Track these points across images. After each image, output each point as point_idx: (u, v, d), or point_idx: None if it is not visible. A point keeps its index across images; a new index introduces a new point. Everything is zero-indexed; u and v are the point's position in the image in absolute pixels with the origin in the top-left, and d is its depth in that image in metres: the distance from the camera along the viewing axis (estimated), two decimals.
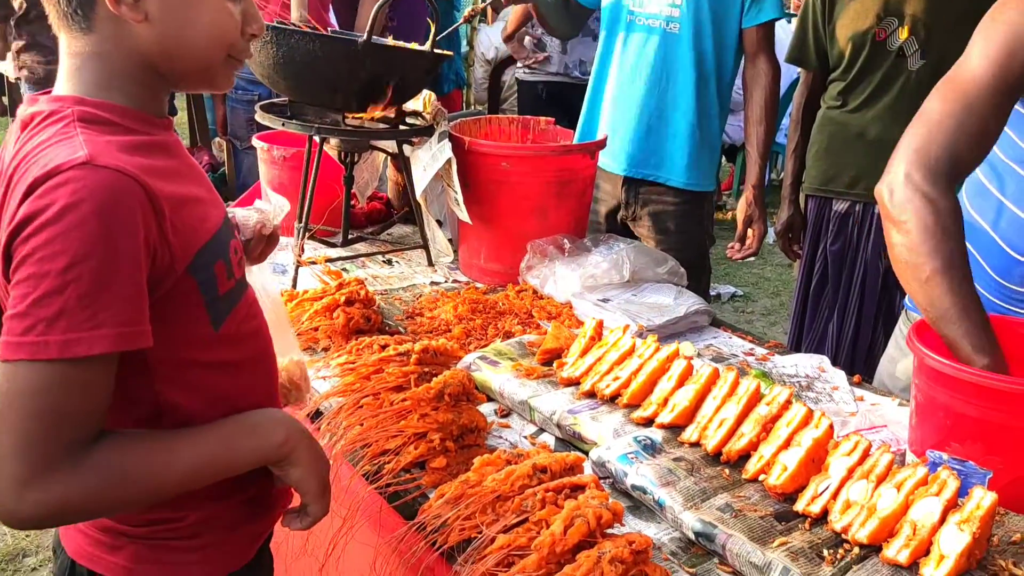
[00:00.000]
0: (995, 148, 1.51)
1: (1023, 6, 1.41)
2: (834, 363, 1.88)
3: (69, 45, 1.02)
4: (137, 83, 1.04)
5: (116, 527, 1.10)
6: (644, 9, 2.49)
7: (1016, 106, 1.45)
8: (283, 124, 2.11)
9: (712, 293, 4.89)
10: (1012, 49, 1.38)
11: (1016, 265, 1.56)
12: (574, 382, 1.62)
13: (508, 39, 4.42)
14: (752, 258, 2.71)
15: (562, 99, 4.55)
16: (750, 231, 2.63)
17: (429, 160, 2.17)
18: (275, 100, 2.30)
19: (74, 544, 1.14)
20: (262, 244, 1.43)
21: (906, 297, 1.88)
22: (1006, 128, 1.47)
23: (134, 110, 1.04)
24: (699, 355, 1.89)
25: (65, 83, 1.03)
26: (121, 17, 0.99)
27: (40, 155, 0.95)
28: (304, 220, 2.16)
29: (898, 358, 1.86)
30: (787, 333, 2.92)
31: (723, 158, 6.69)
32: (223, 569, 1.16)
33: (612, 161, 2.61)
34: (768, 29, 2.54)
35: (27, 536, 2.83)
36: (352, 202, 2.58)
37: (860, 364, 2.58)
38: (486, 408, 1.63)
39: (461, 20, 2.66)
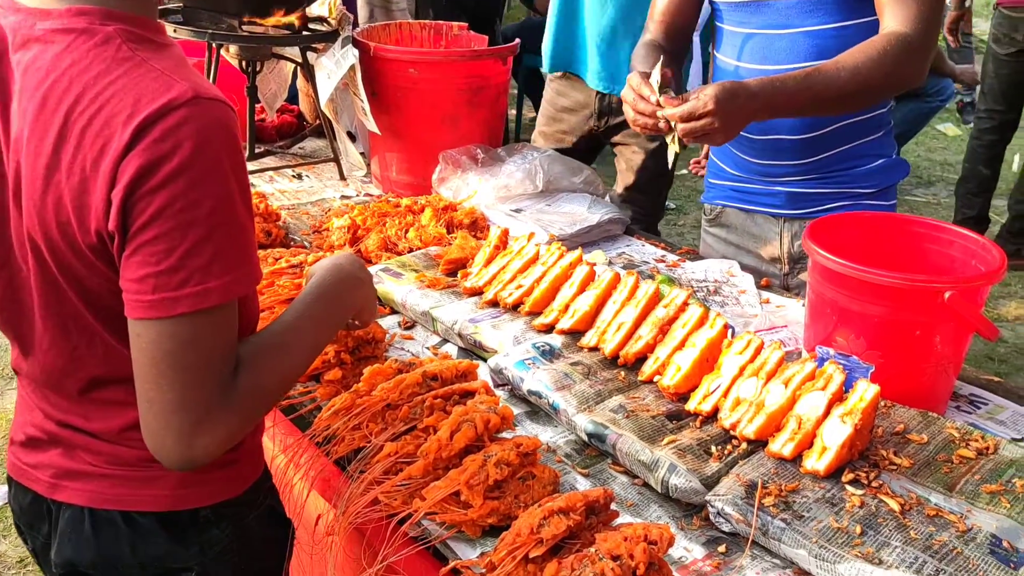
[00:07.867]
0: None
1: None
2: None
3: None
4: None
5: (151, 457, 0.97)
6: None
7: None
8: (175, 30, 2.00)
9: None
10: None
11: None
12: (477, 292, 1.60)
13: None
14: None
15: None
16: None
17: (333, 67, 2.08)
18: (168, 5, 2.17)
19: (86, 493, 1.05)
20: None
21: None
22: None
23: (153, 20, 0.95)
24: (610, 263, 1.88)
25: None
26: None
27: (114, 92, 0.86)
28: None
29: None
30: None
31: None
32: (247, 481, 1.12)
33: (591, 75, 2.44)
34: None
35: None
36: (261, 115, 2.48)
37: None
38: (390, 320, 1.60)
39: None
